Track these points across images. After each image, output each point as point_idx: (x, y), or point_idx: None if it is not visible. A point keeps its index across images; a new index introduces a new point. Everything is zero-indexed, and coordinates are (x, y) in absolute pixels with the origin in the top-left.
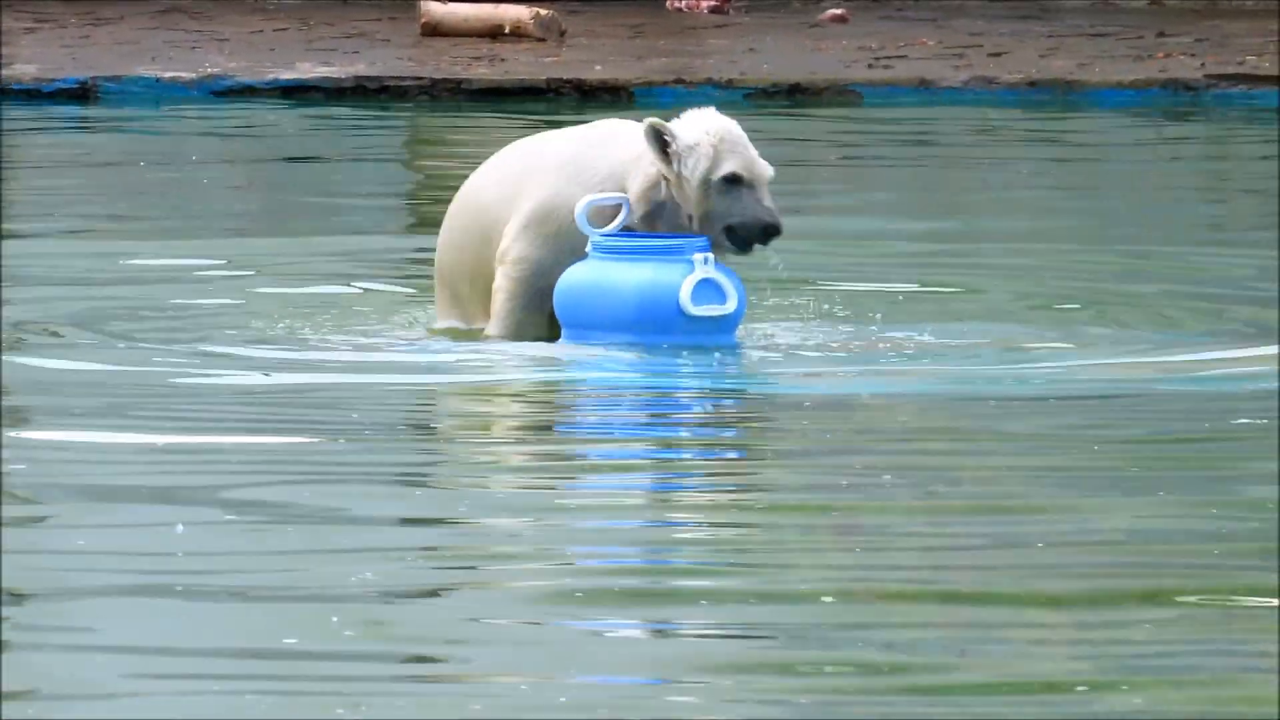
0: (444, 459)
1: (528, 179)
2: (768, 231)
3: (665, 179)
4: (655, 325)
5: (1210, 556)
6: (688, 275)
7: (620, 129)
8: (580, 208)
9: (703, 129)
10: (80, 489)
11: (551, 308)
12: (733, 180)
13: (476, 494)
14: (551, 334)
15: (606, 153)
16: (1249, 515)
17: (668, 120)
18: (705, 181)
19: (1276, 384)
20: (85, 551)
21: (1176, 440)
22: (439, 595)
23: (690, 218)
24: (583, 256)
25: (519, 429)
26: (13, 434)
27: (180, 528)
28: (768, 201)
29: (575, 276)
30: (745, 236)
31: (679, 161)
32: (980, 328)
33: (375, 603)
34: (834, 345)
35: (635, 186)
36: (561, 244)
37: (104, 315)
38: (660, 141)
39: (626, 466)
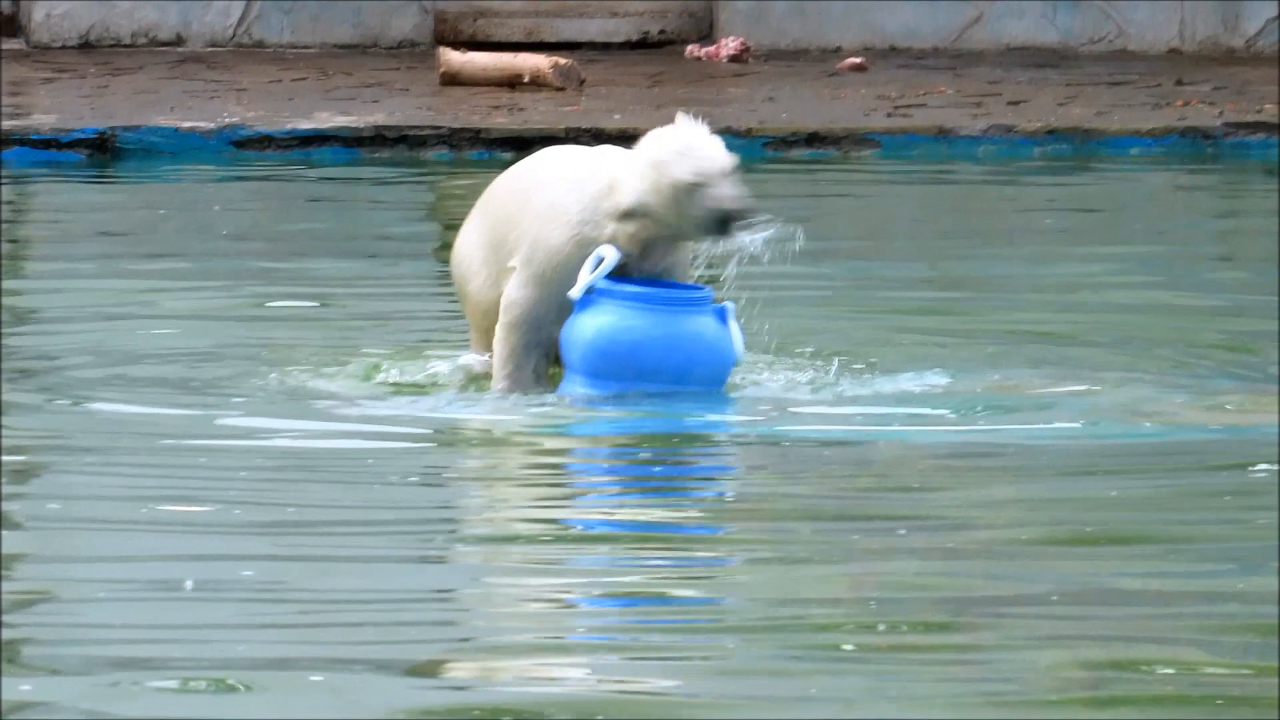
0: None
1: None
2: (733, 219)
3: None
4: (725, 376)
5: (1224, 617)
6: (730, 326)
7: (597, 157)
8: (604, 261)
9: (661, 142)
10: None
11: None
12: (694, 184)
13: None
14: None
15: (591, 187)
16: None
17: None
18: (673, 188)
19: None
20: (85, 624)
21: (1195, 494)
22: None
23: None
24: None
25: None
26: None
27: (189, 584)
28: (732, 191)
29: (629, 327)
30: (716, 230)
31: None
32: (998, 374)
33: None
34: (849, 392)
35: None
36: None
37: (113, 363)
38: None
39: (641, 513)
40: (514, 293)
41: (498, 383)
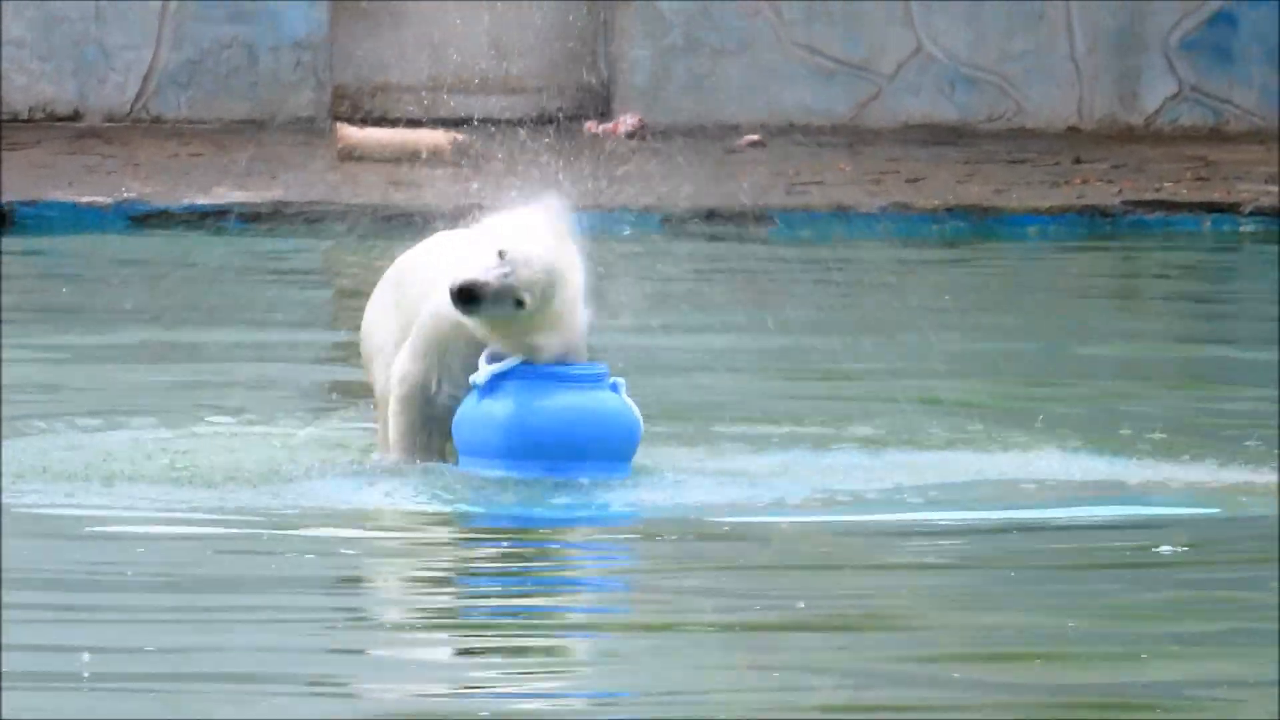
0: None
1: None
2: (471, 291)
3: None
4: (633, 450)
5: (1122, 686)
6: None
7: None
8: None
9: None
10: None
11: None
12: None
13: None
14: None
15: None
16: (1160, 640)
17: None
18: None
19: (1196, 510)
20: None
21: (1091, 567)
22: None
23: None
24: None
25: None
26: None
27: (86, 657)
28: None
29: (538, 406)
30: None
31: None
32: (898, 458)
33: None
34: (746, 473)
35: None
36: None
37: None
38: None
39: (541, 595)
40: (406, 366)
41: (396, 458)
